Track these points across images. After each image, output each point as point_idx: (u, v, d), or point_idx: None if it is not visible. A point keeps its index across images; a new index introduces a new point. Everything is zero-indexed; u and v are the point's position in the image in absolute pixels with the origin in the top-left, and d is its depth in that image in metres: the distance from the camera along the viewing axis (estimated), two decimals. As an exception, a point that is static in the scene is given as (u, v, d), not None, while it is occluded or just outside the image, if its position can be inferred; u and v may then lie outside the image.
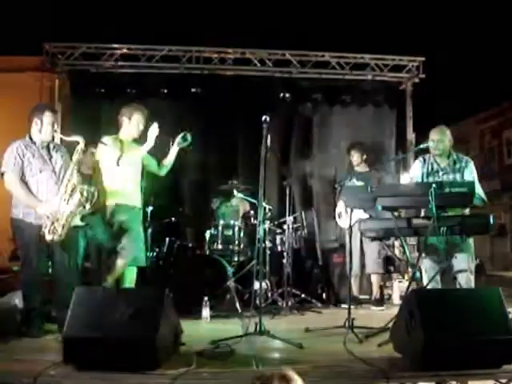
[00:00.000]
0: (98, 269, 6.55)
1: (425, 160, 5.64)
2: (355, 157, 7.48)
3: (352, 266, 6.98)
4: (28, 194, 4.81)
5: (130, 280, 5.58)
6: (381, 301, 7.15)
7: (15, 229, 4.94)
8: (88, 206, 5.08)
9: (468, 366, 3.53)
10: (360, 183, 6.91)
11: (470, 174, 5.45)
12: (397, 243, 7.41)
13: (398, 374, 3.56)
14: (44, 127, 4.94)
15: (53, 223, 4.72)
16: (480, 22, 21.22)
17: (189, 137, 5.71)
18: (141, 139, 5.81)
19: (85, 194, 4.95)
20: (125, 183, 5.61)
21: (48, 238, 4.72)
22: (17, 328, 4.83)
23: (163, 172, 6.03)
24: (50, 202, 4.78)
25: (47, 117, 4.96)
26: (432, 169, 5.55)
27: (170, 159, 5.94)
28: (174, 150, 5.88)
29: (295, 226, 7.29)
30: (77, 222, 4.98)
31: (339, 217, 7.38)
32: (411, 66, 8.86)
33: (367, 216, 6.65)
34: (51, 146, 5.06)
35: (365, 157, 7.49)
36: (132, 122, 5.74)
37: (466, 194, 4.64)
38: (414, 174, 5.69)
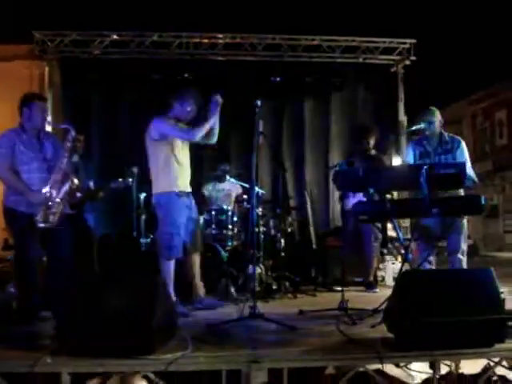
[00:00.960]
0: (89, 256, 6.58)
1: (417, 142, 5.69)
2: (371, 140, 7.18)
3: (346, 249, 7.01)
4: (19, 182, 4.79)
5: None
6: (374, 283, 7.18)
7: (8, 218, 4.93)
8: (79, 194, 5.08)
9: (460, 345, 3.58)
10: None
11: (462, 154, 5.50)
12: (389, 225, 7.41)
13: (391, 354, 3.60)
14: (33, 115, 4.92)
15: (44, 211, 4.71)
16: (471, 3, 21.18)
17: (218, 98, 5.49)
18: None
19: (76, 181, 4.95)
20: (180, 167, 5.44)
21: (40, 225, 4.72)
22: (12, 316, 4.85)
23: (214, 139, 5.70)
24: (41, 190, 4.77)
25: (36, 105, 4.93)
26: (424, 150, 5.59)
27: (216, 125, 5.58)
28: (215, 116, 5.48)
29: (289, 209, 7.29)
30: (67, 209, 4.97)
31: (341, 199, 7.32)
32: (402, 48, 8.87)
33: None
34: (42, 134, 5.03)
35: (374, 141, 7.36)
36: (183, 108, 5.49)
37: (457, 176, 4.65)
38: (406, 156, 5.75)
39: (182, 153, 5.46)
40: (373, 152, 7.18)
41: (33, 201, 4.72)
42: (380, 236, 7.04)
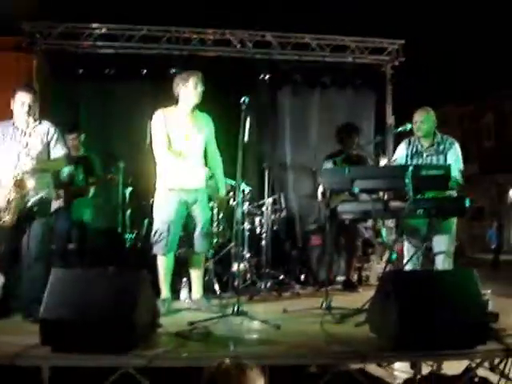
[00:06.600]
0: (80, 250, 6.56)
1: (410, 141, 5.61)
2: (355, 139, 7.18)
3: (331, 248, 7.01)
4: None
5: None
6: (358, 283, 7.18)
7: None
8: (43, 193, 4.91)
9: (443, 346, 3.59)
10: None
11: (454, 155, 5.40)
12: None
13: (373, 354, 3.62)
14: (15, 108, 4.80)
15: (6, 209, 4.64)
16: (460, 5, 21.27)
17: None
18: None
19: (43, 179, 4.84)
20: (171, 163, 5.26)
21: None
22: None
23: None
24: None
25: (16, 96, 4.79)
26: (416, 150, 5.52)
27: None
28: None
29: (274, 207, 7.28)
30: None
31: (323, 197, 7.32)
32: (391, 48, 8.87)
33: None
34: (25, 127, 4.85)
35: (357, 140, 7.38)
36: (189, 87, 5.31)
37: (442, 177, 4.67)
38: (398, 155, 5.66)
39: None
40: (356, 151, 7.18)
41: None
42: (362, 235, 7.04)
